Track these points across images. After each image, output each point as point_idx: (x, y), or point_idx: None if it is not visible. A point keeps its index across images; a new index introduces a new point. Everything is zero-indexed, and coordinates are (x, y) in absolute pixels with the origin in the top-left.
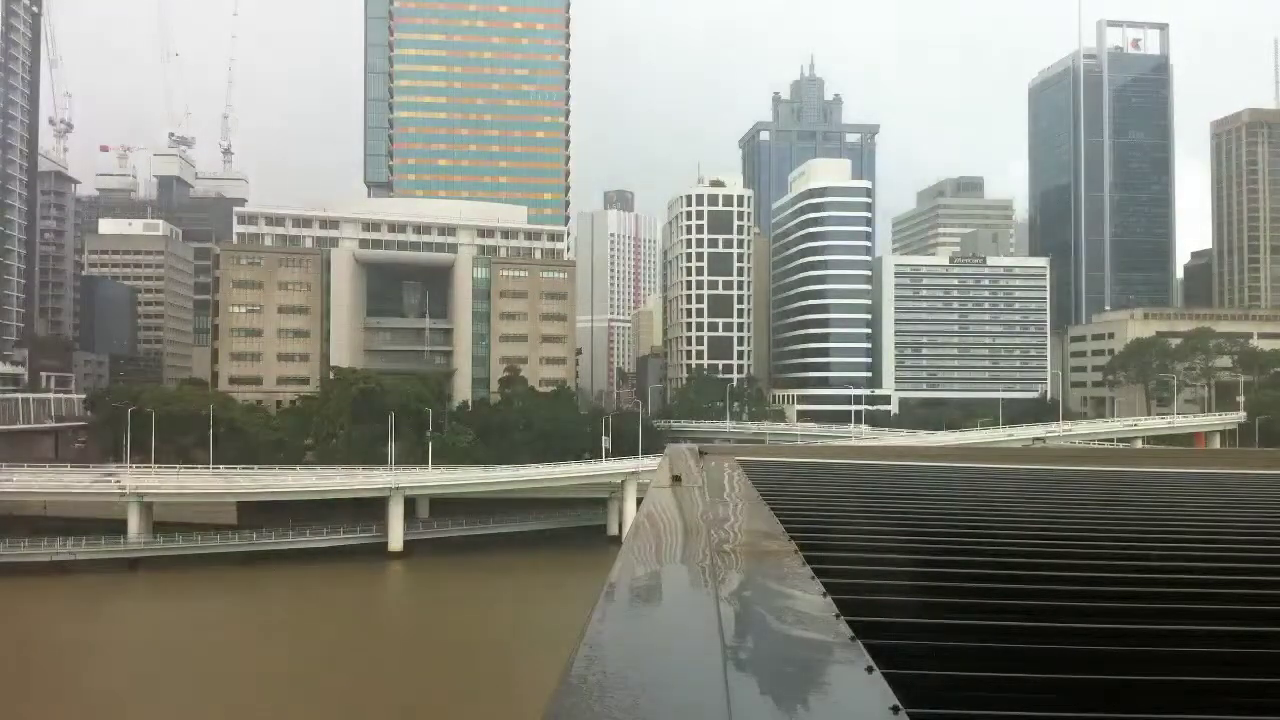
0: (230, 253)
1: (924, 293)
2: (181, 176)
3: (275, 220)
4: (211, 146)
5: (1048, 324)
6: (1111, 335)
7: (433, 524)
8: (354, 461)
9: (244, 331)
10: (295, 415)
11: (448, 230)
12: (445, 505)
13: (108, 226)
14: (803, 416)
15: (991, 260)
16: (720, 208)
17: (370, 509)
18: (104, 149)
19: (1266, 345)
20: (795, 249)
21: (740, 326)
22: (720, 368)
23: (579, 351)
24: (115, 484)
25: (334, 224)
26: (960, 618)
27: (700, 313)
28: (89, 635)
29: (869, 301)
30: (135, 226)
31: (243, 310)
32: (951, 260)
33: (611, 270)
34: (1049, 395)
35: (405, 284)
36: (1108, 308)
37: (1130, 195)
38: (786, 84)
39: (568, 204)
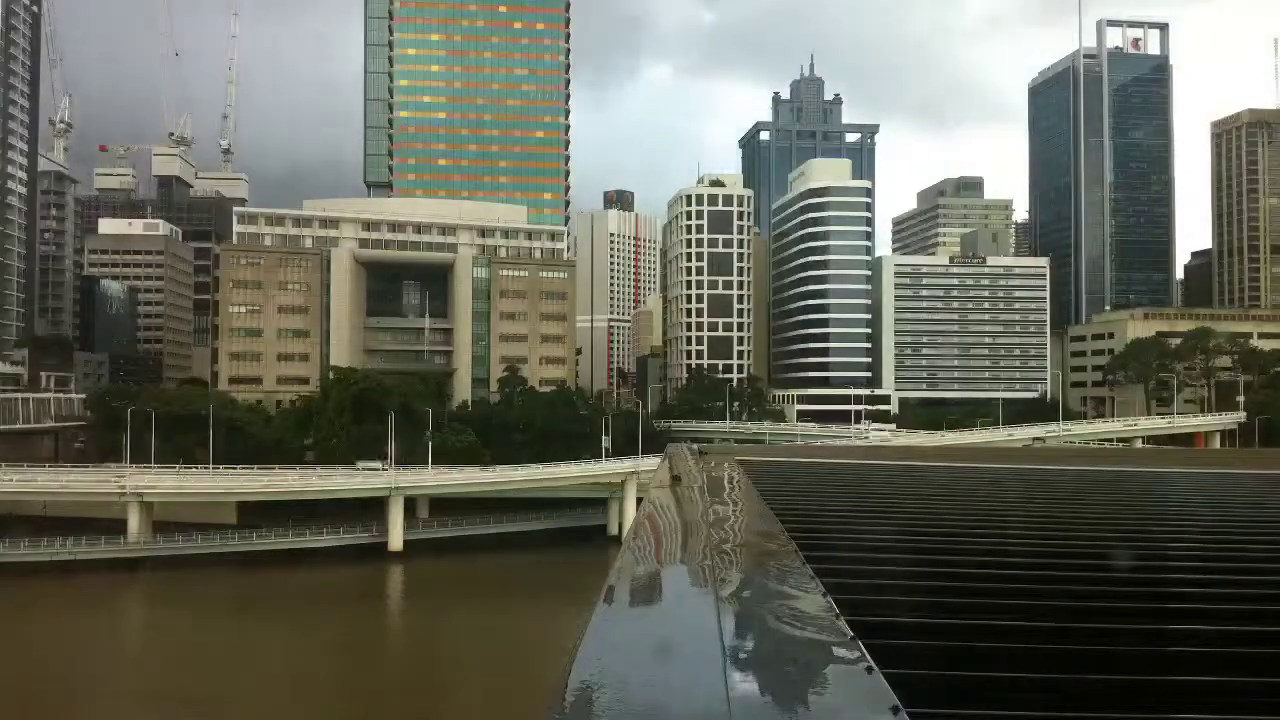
0: (230, 253)
1: (924, 293)
2: (181, 176)
3: (275, 220)
4: (211, 146)
5: (1048, 324)
6: (1111, 335)
7: (433, 524)
8: (354, 461)
9: (244, 331)
10: (295, 415)
11: (447, 230)
12: (445, 505)
13: (108, 226)
14: (803, 416)
15: (991, 260)
16: (720, 208)
17: (370, 509)
18: (104, 149)
19: (1266, 345)
20: (795, 249)
21: (740, 326)
22: (720, 368)
23: (579, 351)
24: (115, 484)
25: (334, 224)
26: (960, 618)
27: (700, 313)
28: (89, 636)
29: (869, 301)
30: (135, 226)
31: (243, 310)
32: (951, 260)
33: (611, 270)
34: (1049, 395)
35: (405, 284)
36: (1108, 308)
37: (1130, 195)
38: (786, 84)
39: (568, 204)
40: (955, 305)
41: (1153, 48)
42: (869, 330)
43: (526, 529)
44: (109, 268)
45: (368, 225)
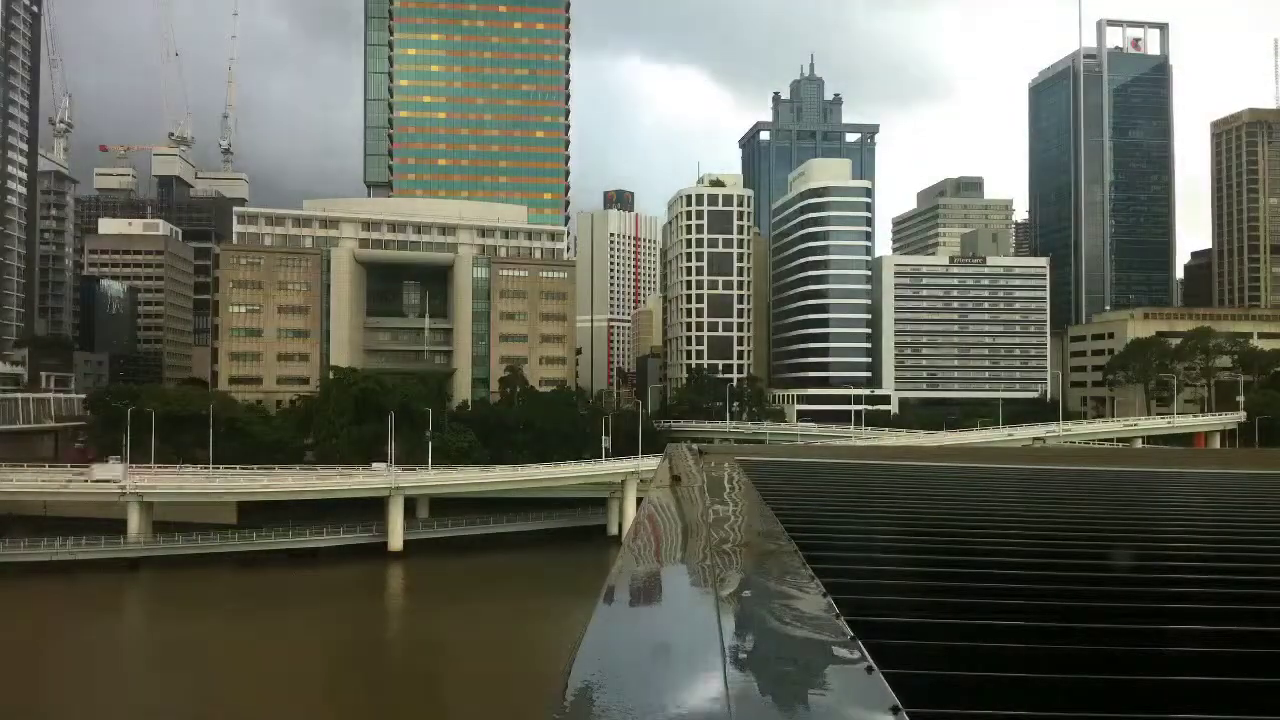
0: (230, 253)
1: (924, 293)
2: (181, 176)
3: (275, 220)
4: (211, 146)
5: (1048, 324)
6: (1111, 335)
7: (433, 524)
8: (354, 461)
9: (244, 331)
10: (295, 415)
11: (448, 230)
12: (445, 505)
13: (108, 226)
14: (803, 416)
15: (991, 260)
16: (720, 208)
17: (370, 509)
18: (104, 149)
19: (1266, 345)
20: (795, 249)
21: (740, 326)
22: (720, 368)
23: (579, 351)
24: (115, 484)
25: (334, 224)
26: (960, 618)
27: (700, 313)
28: (89, 636)
29: (869, 301)
30: (135, 226)
31: (242, 310)
32: (951, 260)
33: (611, 270)
34: (1049, 395)
35: (405, 284)
36: (1108, 308)
37: (1130, 195)
38: (786, 84)
39: (568, 204)
40: (955, 305)
41: (1153, 48)
42: (869, 330)
43: (526, 529)
44: (109, 268)
45: (368, 225)
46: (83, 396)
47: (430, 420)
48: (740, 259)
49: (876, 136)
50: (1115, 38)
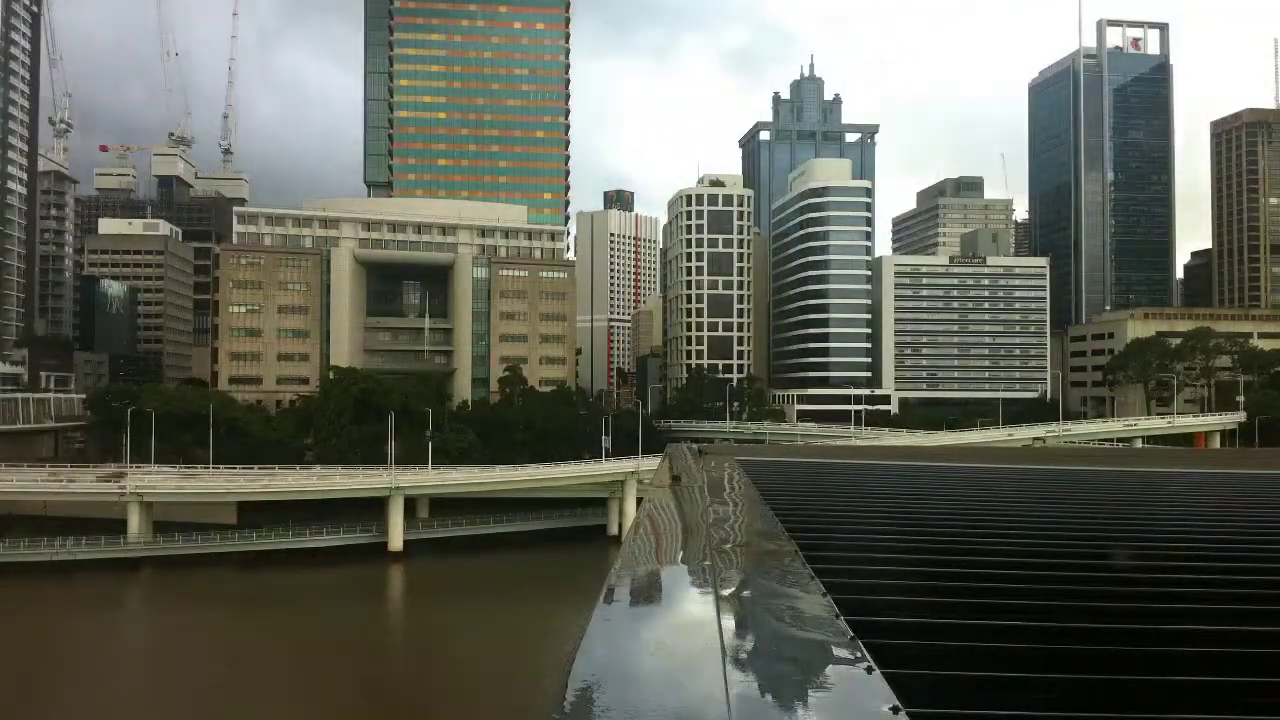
0: (230, 253)
1: (924, 293)
2: (181, 176)
3: (275, 220)
4: (211, 146)
5: (1047, 324)
6: (1111, 335)
7: (433, 524)
8: (354, 461)
9: (244, 331)
10: (295, 415)
11: (448, 230)
12: (445, 505)
13: (108, 226)
14: (803, 416)
15: (991, 260)
16: (720, 208)
17: (370, 509)
18: (104, 149)
19: (1266, 345)
20: (795, 249)
21: (740, 326)
22: (720, 368)
23: (579, 351)
24: (115, 484)
25: (334, 224)
26: (960, 618)
27: (700, 313)
28: (89, 637)
29: (869, 301)
30: (135, 226)
31: (242, 310)
32: (951, 260)
33: (611, 270)
34: (1049, 395)
35: (405, 284)
36: (1108, 308)
37: (1130, 195)
38: (786, 84)
39: (568, 204)
40: (955, 305)
41: (1153, 48)
42: (869, 330)
43: (526, 529)
44: (109, 268)
45: (368, 225)
46: (83, 396)
47: (430, 420)
48: (740, 259)
49: (876, 136)
50: (1115, 38)
